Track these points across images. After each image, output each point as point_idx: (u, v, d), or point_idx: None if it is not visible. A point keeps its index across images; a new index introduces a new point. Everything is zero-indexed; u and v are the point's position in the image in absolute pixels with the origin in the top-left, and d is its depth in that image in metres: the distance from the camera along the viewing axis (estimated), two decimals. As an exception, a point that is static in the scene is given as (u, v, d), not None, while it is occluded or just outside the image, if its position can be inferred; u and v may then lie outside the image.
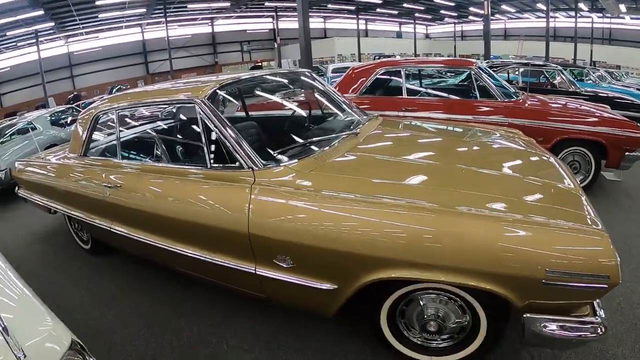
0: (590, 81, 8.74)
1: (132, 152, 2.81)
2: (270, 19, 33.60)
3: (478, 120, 3.93)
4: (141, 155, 2.72)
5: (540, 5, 26.94)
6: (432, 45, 37.73)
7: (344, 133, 2.31)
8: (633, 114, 5.87)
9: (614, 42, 29.24)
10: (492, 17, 20.62)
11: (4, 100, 25.82)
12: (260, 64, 32.53)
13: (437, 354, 1.73)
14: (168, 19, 25.02)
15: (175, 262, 2.25)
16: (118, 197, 2.34)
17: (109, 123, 2.68)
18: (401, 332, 1.77)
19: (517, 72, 7.09)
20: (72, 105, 9.89)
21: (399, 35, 39.16)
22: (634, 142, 3.55)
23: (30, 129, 6.38)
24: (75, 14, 20.74)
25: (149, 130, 3.10)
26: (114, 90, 18.57)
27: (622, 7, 23.34)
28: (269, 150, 1.99)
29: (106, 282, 2.81)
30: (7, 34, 20.19)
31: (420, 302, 1.67)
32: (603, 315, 1.45)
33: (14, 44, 23.23)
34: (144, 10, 23.76)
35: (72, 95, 21.95)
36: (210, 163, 1.98)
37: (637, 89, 8.67)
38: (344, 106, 2.89)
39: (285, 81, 3.03)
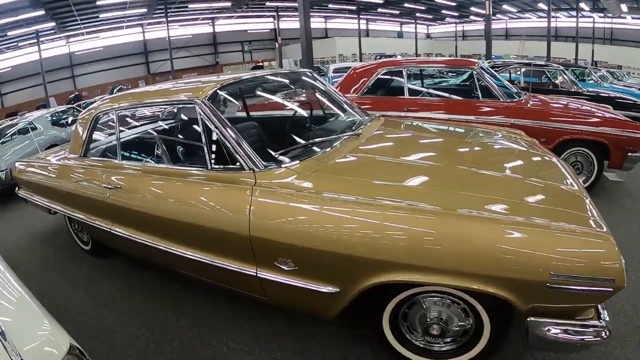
0: (592, 81, 8.72)
1: (132, 152, 2.80)
2: (271, 19, 33.59)
3: (480, 120, 3.91)
4: (141, 156, 2.70)
5: (541, 5, 26.89)
6: (433, 45, 37.67)
7: (346, 134, 2.29)
8: (635, 114, 5.84)
9: (615, 42, 29.17)
10: (493, 17, 20.57)
11: (5, 100, 25.85)
12: (261, 64, 32.50)
13: (440, 357, 1.72)
14: (169, 19, 25.05)
15: (176, 263, 2.24)
16: (118, 198, 2.33)
17: (109, 123, 2.67)
18: (403, 335, 1.76)
19: (518, 72, 7.07)
20: (73, 105, 9.89)
21: (400, 35, 39.12)
22: (636, 142, 3.53)
23: (30, 129, 6.38)
24: (76, 14, 20.75)
25: (149, 131, 3.09)
26: (115, 90, 18.55)
27: (624, 7, 23.28)
28: (270, 151, 1.97)
29: (106, 283, 2.80)
30: (8, 34, 20.20)
31: (423, 305, 1.65)
32: (607, 319, 1.44)
33: (15, 44, 23.24)
34: (145, 10, 23.76)
35: (73, 95, 21.95)
36: (211, 164, 1.96)
37: (639, 89, 8.64)
38: (346, 106, 2.88)
39: (287, 81, 3.01)
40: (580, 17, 25.97)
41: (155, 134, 2.83)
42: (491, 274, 1.37)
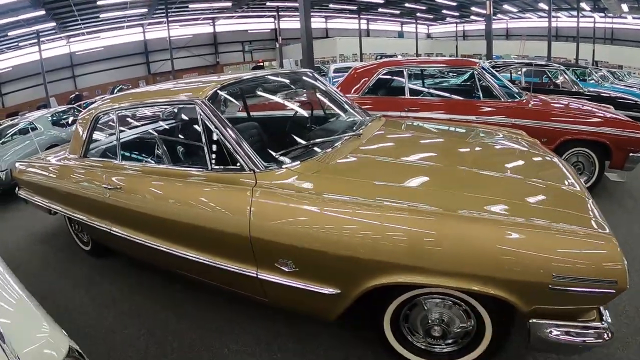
0: (592, 81, 8.71)
1: (132, 153, 2.79)
2: (271, 19, 33.57)
3: (481, 120, 3.90)
4: (142, 156, 2.70)
5: (542, 5, 26.87)
6: (434, 45, 37.66)
7: (347, 134, 2.29)
8: (636, 114, 5.83)
9: (616, 42, 29.12)
10: (494, 17, 20.53)
11: (5, 100, 25.84)
12: (262, 63, 32.49)
13: (441, 358, 1.71)
14: (169, 19, 25.06)
15: (176, 264, 2.23)
16: (118, 198, 2.32)
17: (110, 123, 2.66)
18: (405, 336, 1.75)
19: (519, 72, 7.06)
20: (74, 106, 9.89)
21: (400, 35, 39.09)
22: (638, 142, 3.52)
23: (31, 129, 6.37)
24: (76, 14, 20.75)
25: (149, 131, 3.08)
26: (116, 90, 18.56)
27: (624, 7, 23.25)
28: (270, 151, 1.97)
29: (106, 284, 2.79)
30: (9, 34, 20.19)
31: (425, 306, 1.64)
32: (609, 321, 1.43)
33: (16, 44, 23.23)
34: (146, 10, 23.75)
35: (74, 95, 21.95)
36: (211, 165, 1.95)
37: (640, 89, 8.63)
38: (346, 107, 2.87)
39: (287, 81, 3.00)
40: (581, 17, 25.94)
41: (155, 134, 2.82)
42: (492, 276, 1.36)
